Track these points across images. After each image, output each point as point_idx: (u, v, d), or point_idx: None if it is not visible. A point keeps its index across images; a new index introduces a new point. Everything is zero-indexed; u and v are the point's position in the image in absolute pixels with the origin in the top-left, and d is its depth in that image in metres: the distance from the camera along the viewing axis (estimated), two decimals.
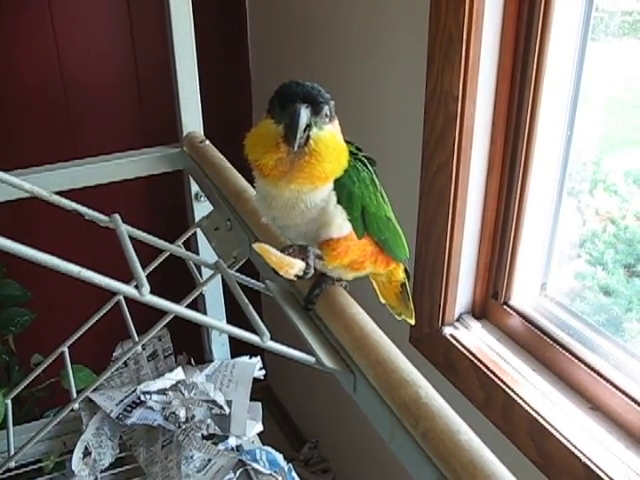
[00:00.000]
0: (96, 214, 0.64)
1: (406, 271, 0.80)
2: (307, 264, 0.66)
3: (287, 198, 0.63)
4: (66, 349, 1.06)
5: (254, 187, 0.69)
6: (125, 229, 0.59)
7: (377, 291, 0.84)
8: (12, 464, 0.97)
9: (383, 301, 0.85)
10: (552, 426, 1.17)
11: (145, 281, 0.48)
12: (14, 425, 1.07)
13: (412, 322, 0.85)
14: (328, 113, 0.62)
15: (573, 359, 1.23)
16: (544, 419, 1.18)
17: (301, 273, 0.65)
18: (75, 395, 0.97)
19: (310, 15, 1.78)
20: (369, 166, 0.68)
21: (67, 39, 1.99)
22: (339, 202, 0.65)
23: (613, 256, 1.30)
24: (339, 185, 0.64)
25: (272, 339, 0.57)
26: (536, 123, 1.22)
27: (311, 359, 0.60)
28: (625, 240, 1.28)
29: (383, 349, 0.57)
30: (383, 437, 0.56)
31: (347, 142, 0.67)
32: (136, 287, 0.49)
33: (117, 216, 0.62)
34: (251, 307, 0.59)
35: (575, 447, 1.12)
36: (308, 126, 0.60)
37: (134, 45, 2.09)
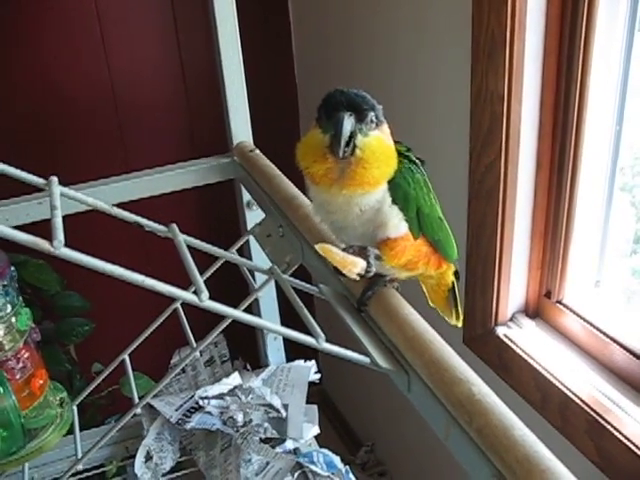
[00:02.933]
0: (155, 225, 0.67)
1: (456, 274, 0.80)
2: (368, 263, 0.67)
3: (341, 202, 0.65)
4: (127, 357, 1.10)
5: (305, 194, 0.71)
6: (183, 238, 0.61)
7: (426, 294, 0.85)
8: (80, 467, 1.00)
9: (432, 305, 0.85)
10: (612, 425, 1.15)
11: (204, 287, 0.50)
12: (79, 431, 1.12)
13: (459, 325, 0.86)
14: (374, 119, 0.63)
15: (631, 357, 1.21)
16: (603, 418, 1.17)
17: (363, 272, 0.67)
18: (137, 401, 1.00)
19: (354, 20, 1.80)
20: (421, 167, 0.69)
21: (117, 56, 2.05)
22: (394, 202, 0.66)
23: None
24: (393, 186, 0.65)
25: (326, 341, 0.58)
26: (584, 119, 1.21)
27: (366, 360, 0.62)
28: None
29: (436, 348, 0.58)
30: (438, 435, 0.57)
31: (396, 142, 0.68)
32: (195, 293, 0.51)
33: (174, 226, 0.64)
34: (306, 310, 0.60)
35: (636, 446, 1.11)
36: (353, 134, 0.61)
37: (182, 58, 2.13)
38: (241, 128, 1.19)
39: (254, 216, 1.21)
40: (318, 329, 0.58)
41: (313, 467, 1.18)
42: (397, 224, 0.67)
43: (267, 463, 1.16)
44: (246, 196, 1.21)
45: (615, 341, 1.25)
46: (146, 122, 2.16)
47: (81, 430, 1.14)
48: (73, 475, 1.07)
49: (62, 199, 0.56)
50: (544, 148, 1.28)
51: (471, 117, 1.34)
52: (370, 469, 2.40)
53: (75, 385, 1.84)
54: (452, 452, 0.55)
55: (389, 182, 0.65)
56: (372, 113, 0.63)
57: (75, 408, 1.14)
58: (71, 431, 1.10)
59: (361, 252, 0.68)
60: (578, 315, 1.33)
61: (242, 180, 1.18)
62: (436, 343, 0.59)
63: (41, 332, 1.04)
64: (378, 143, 0.64)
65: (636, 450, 1.10)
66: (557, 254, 1.34)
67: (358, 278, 0.67)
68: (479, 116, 1.31)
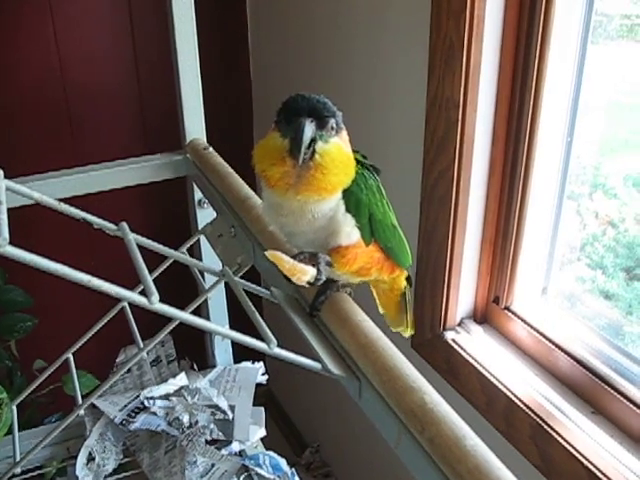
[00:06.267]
0: (104, 223, 0.65)
1: (409, 280, 0.80)
2: (318, 270, 0.66)
3: (295, 207, 0.64)
4: (71, 355, 1.07)
5: (259, 195, 0.70)
6: (133, 237, 0.60)
7: (377, 300, 0.84)
8: (18, 470, 0.97)
9: (382, 311, 0.85)
10: (554, 430, 1.17)
11: (154, 290, 0.48)
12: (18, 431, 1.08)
13: (407, 335, 0.85)
14: (334, 126, 0.63)
15: (574, 363, 1.23)
16: (546, 423, 1.19)
17: (313, 280, 0.66)
18: (80, 401, 0.97)
19: (311, 22, 1.79)
20: (374, 174, 0.69)
21: (68, 44, 1.99)
22: (347, 210, 0.65)
23: (613, 260, 1.30)
24: (347, 193, 0.65)
25: (277, 346, 0.57)
26: (537, 128, 1.23)
27: (317, 366, 0.61)
28: (625, 243, 1.29)
29: (389, 356, 0.58)
30: (389, 443, 0.56)
31: (353, 151, 0.68)
32: (143, 294, 0.49)
33: (125, 225, 0.63)
34: (258, 314, 0.60)
35: (578, 451, 1.12)
36: (313, 140, 0.61)
37: (136, 51, 2.09)
38: (195, 125, 1.17)
39: (206, 215, 1.19)
40: (270, 334, 0.57)
41: (259, 470, 1.17)
42: (349, 232, 0.66)
43: (212, 465, 1.15)
44: (198, 194, 1.19)
45: (560, 347, 1.27)
46: (97, 114, 2.11)
47: (20, 430, 1.10)
48: (11, 477, 1.03)
49: (6, 193, 0.53)
50: (497, 156, 1.29)
51: (426, 123, 1.34)
52: (315, 470, 2.40)
53: (15, 383, 1.79)
54: (402, 460, 0.55)
55: (344, 190, 0.65)
56: (333, 120, 0.63)
57: (14, 408, 1.10)
58: (9, 431, 1.06)
59: (312, 259, 0.67)
60: (525, 321, 1.35)
61: (194, 178, 1.16)
62: (389, 351, 0.58)
63: None
64: (337, 150, 0.63)
65: (578, 455, 1.12)
66: (506, 261, 1.36)
67: (307, 286, 0.67)
68: (434, 122, 1.31)
